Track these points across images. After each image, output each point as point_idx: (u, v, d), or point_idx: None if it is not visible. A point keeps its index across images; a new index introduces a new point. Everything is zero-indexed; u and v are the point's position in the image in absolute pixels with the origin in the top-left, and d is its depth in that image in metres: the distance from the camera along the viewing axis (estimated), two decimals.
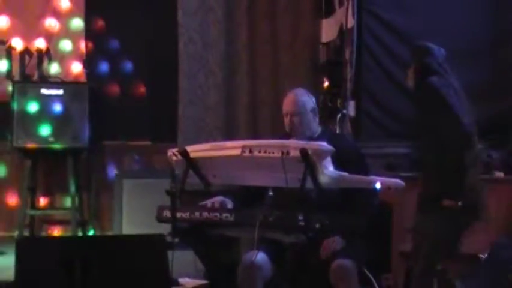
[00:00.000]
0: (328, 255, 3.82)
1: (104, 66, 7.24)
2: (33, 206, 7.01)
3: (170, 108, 6.80)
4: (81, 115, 6.73)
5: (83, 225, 6.96)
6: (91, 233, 6.97)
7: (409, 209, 4.22)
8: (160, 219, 3.69)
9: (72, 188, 6.83)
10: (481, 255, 4.71)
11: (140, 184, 6.69)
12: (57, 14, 7.23)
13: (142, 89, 7.28)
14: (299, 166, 3.43)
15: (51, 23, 7.20)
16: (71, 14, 7.24)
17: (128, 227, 6.56)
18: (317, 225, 3.44)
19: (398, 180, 3.48)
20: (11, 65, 6.98)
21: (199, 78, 6.78)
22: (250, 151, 3.53)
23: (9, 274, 3.47)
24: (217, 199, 3.85)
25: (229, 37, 6.82)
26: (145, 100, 7.26)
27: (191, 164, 3.66)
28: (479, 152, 4.28)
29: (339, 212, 3.70)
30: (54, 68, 7.14)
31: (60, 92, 6.77)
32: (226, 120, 6.78)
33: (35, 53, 7.01)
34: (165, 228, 3.62)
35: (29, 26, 7.15)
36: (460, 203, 3.96)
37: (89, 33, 7.20)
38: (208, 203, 3.81)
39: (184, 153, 3.66)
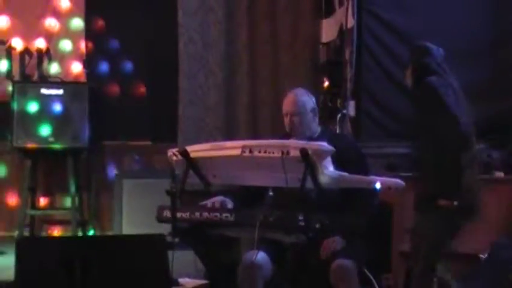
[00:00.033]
0: (328, 255, 3.82)
1: (104, 66, 7.24)
2: (33, 206, 7.01)
3: (170, 108, 6.80)
4: (81, 115, 6.73)
5: (83, 225, 6.96)
6: (91, 233, 6.97)
7: (409, 209, 4.22)
8: (161, 219, 3.69)
9: (72, 188, 6.83)
10: (481, 255, 4.71)
11: (140, 184, 6.69)
12: (57, 14, 7.23)
13: (143, 89, 7.29)
14: (299, 166, 3.42)
15: (51, 23, 7.20)
16: (71, 14, 7.25)
17: (128, 227, 6.56)
18: (317, 225, 3.44)
19: (398, 180, 3.48)
20: (11, 65, 6.98)
21: (200, 79, 6.78)
22: (250, 151, 3.53)
23: (9, 274, 3.47)
24: (217, 199, 3.85)
25: (230, 37, 6.82)
26: (145, 100, 7.26)
27: (191, 164, 3.66)
28: (477, 153, 4.29)
29: (339, 212, 3.70)
30: (54, 68, 7.14)
31: (60, 92, 6.77)
32: (226, 120, 6.78)
33: (35, 53, 7.01)
34: (165, 228, 3.61)
35: (29, 26, 7.15)
36: (455, 203, 3.96)
37: (89, 33, 7.21)
38: (209, 203, 3.81)
39: (185, 153, 3.65)
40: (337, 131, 5.77)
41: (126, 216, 6.63)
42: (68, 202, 6.96)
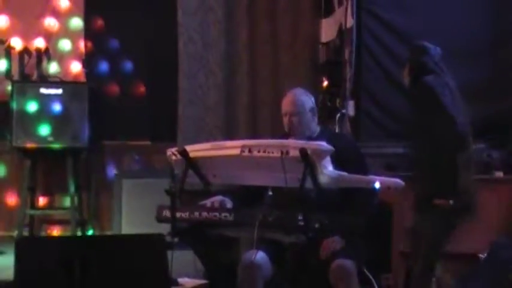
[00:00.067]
0: (328, 255, 3.82)
1: (103, 66, 7.23)
2: (33, 205, 7.00)
3: (170, 108, 6.79)
4: (80, 115, 6.72)
5: (83, 225, 6.95)
6: (90, 232, 6.96)
7: (409, 208, 4.22)
8: (160, 219, 3.69)
9: (72, 188, 6.82)
10: (480, 255, 4.71)
11: (140, 184, 6.69)
12: (56, 13, 7.23)
13: (142, 89, 7.28)
14: (298, 166, 3.42)
15: (51, 22, 7.20)
16: (70, 13, 7.24)
17: (128, 226, 6.56)
18: (316, 225, 3.44)
19: (397, 180, 3.48)
20: (10, 65, 6.98)
21: (199, 78, 6.78)
22: (250, 151, 3.53)
23: (9, 274, 3.47)
24: (217, 198, 3.85)
25: (229, 37, 6.81)
26: (144, 100, 7.25)
27: (191, 163, 3.66)
28: (474, 153, 4.29)
29: (339, 211, 3.70)
30: (53, 68, 7.13)
31: (60, 91, 6.76)
32: (226, 120, 6.78)
33: (34, 53, 7.00)
34: (164, 228, 3.61)
35: (28, 26, 7.15)
36: (451, 202, 3.97)
37: (89, 32, 7.20)
38: (208, 202, 3.81)
39: (184, 153, 3.65)
40: (337, 131, 5.77)
41: (125, 216, 6.63)
42: (67, 202, 6.95)
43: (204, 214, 3.60)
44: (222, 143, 3.84)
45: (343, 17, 5.98)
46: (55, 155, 6.89)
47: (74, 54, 7.24)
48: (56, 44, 7.20)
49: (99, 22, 7.20)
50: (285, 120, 4.11)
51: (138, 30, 7.10)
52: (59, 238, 5.64)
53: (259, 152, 3.51)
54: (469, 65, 5.45)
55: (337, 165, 3.52)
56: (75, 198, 6.86)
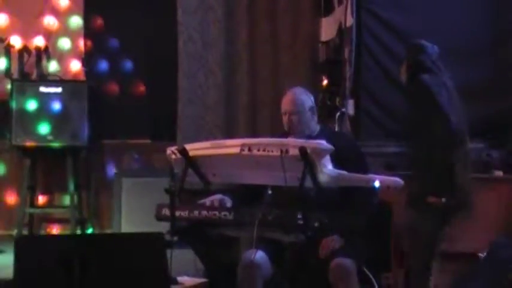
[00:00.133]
0: (327, 254, 3.82)
1: (103, 65, 7.23)
2: (32, 204, 7.00)
3: (169, 107, 6.79)
4: (80, 113, 6.72)
5: (82, 223, 6.95)
6: (90, 231, 6.96)
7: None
8: (159, 218, 3.69)
9: (72, 187, 6.82)
10: (480, 254, 4.71)
11: (139, 183, 6.68)
12: (56, 12, 7.22)
13: (142, 88, 7.28)
14: (298, 165, 3.42)
15: (50, 21, 7.19)
16: (69, 12, 7.24)
17: (127, 225, 6.55)
18: (316, 224, 3.44)
19: (397, 179, 3.48)
20: (9, 63, 6.97)
21: (199, 78, 6.78)
22: (249, 149, 3.53)
23: (8, 272, 3.46)
24: (216, 197, 3.85)
25: (229, 36, 6.81)
26: (144, 99, 7.25)
27: (190, 162, 3.66)
28: (473, 152, 4.29)
29: (338, 210, 3.70)
30: (53, 66, 7.12)
31: (59, 90, 6.75)
32: (226, 120, 6.78)
33: (34, 51, 6.99)
34: (164, 227, 3.62)
35: (27, 24, 7.14)
36: (443, 200, 3.97)
37: (88, 31, 7.20)
38: (207, 201, 3.81)
39: (184, 152, 3.65)
40: (336, 130, 5.77)
41: (125, 215, 6.63)
42: (67, 200, 6.95)
43: (204, 213, 3.61)
44: (221, 141, 3.84)
45: (343, 16, 5.98)
46: (55, 154, 6.89)
47: (73, 53, 7.24)
48: (56, 43, 7.19)
49: (99, 21, 7.20)
50: (285, 119, 4.11)
51: (137, 29, 7.10)
52: (58, 237, 5.64)
53: (258, 150, 3.52)
54: (468, 64, 5.45)
55: (336, 164, 3.52)
56: (75, 197, 6.85)
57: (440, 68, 4.17)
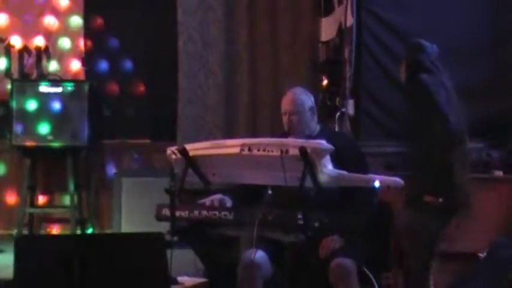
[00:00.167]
0: (328, 254, 3.82)
1: (103, 65, 7.23)
2: (32, 204, 7.00)
3: (169, 107, 6.79)
4: (80, 113, 6.72)
5: (82, 223, 6.95)
6: (90, 231, 6.96)
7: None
8: (160, 218, 3.69)
9: (72, 187, 6.82)
10: (480, 254, 4.71)
11: (139, 183, 6.68)
12: (56, 12, 7.22)
13: (142, 88, 7.28)
14: (298, 165, 3.42)
15: (50, 21, 7.19)
16: (70, 12, 7.24)
17: (127, 225, 6.55)
18: (316, 224, 3.44)
19: (397, 179, 3.48)
20: (9, 63, 6.97)
21: (199, 78, 6.78)
22: (249, 149, 3.53)
23: (8, 272, 3.46)
24: (216, 197, 3.85)
25: (229, 36, 6.81)
26: (144, 99, 7.25)
27: (190, 162, 3.66)
28: (473, 152, 4.29)
29: (338, 210, 3.70)
30: (53, 66, 7.13)
31: (59, 90, 6.76)
32: (226, 120, 6.78)
33: (34, 51, 6.99)
34: (164, 227, 3.61)
35: (27, 24, 7.14)
36: (440, 200, 3.97)
37: (88, 31, 7.20)
38: (207, 201, 3.81)
39: (184, 152, 3.65)
40: (336, 130, 5.77)
41: (125, 215, 6.62)
42: (67, 200, 6.95)
43: (204, 213, 3.61)
44: (221, 141, 3.84)
45: (343, 16, 5.98)
46: (55, 154, 6.89)
47: (73, 52, 7.23)
48: (56, 43, 7.19)
49: (99, 21, 7.20)
50: (285, 119, 4.11)
51: (137, 29, 7.10)
52: (58, 237, 5.64)
53: (258, 150, 3.52)
54: (468, 64, 5.46)
55: (336, 164, 3.52)
56: (75, 197, 6.85)
57: (439, 67, 4.17)
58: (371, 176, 3.56)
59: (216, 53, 6.77)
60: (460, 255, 4.73)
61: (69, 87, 6.79)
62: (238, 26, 6.81)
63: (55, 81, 6.89)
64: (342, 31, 6.09)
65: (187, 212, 3.61)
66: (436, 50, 4.21)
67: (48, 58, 7.05)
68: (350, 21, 5.83)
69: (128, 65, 7.25)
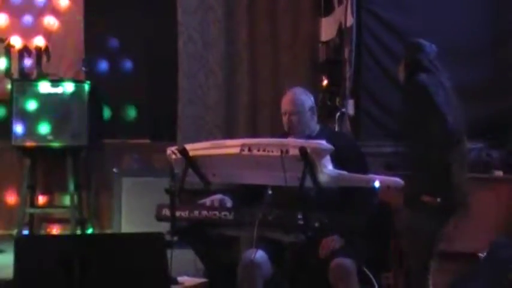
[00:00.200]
0: (327, 254, 3.82)
1: (103, 65, 7.23)
2: (33, 204, 7.00)
3: (169, 107, 6.79)
4: (80, 113, 6.72)
5: (82, 223, 6.95)
6: (90, 231, 6.96)
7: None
8: (160, 218, 3.69)
9: (72, 187, 6.82)
10: (480, 254, 4.71)
11: (139, 183, 6.69)
12: (56, 12, 7.22)
13: (142, 88, 7.27)
14: (298, 165, 3.42)
15: (50, 21, 7.19)
16: (70, 12, 7.23)
17: (127, 225, 6.55)
18: (316, 224, 3.44)
19: (397, 179, 3.48)
20: (9, 63, 6.98)
21: (199, 78, 6.78)
22: (249, 150, 3.53)
23: (8, 272, 3.46)
24: (216, 197, 3.85)
25: (229, 36, 6.81)
26: (144, 99, 7.25)
27: (190, 162, 3.66)
28: (472, 152, 4.29)
29: (338, 210, 3.70)
30: (53, 66, 7.12)
31: (59, 90, 6.76)
32: (226, 120, 6.78)
33: (34, 51, 7.00)
34: (164, 227, 3.61)
35: (28, 24, 7.14)
36: (438, 200, 3.97)
37: (88, 31, 7.19)
38: (207, 201, 3.81)
39: (184, 152, 3.65)
40: (336, 130, 5.77)
41: (125, 215, 6.63)
42: (67, 200, 6.95)
43: (204, 213, 3.61)
44: (221, 141, 3.84)
45: (343, 16, 5.99)
46: (55, 154, 6.89)
47: (73, 52, 7.23)
48: (56, 43, 7.19)
49: (99, 21, 7.20)
50: (285, 119, 4.11)
51: (137, 29, 7.10)
52: (58, 237, 5.64)
53: (258, 150, 3.52)
54: (468, 64, 5.46)
55: (336, 164, 3.52)
56: (75, 197, 6.86)
57: (437, 67, 4.17)
58: (371, 176, 3.56)
59: (216, 53, 6.77)
60: (459, 255, 4.73)
61: (69, 87, 6.79)
62: (238, 26, 6.82)
63: (55, 81, 6.89)
64: (342, 31, 6.10)
65: (187, 212, 3.61)
66: (434, 49, 4.21)
67: (48, 58, 7.04)
68: (350, 21, 5.83)
69: (128, 65, 7.26)
